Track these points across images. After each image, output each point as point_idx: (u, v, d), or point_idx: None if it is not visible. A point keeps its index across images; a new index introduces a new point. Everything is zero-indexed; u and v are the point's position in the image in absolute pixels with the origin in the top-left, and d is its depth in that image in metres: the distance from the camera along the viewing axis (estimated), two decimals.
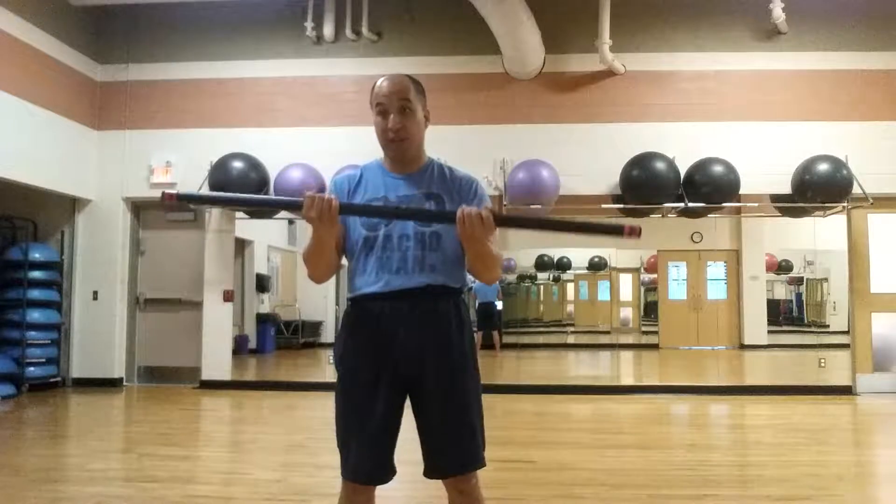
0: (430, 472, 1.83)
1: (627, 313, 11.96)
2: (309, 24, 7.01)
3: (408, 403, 1.84)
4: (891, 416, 5.85)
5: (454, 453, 1.80)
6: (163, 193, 1.72)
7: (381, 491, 1.85)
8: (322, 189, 6.87)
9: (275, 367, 9.81)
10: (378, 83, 1.84)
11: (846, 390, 6.59)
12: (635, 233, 1.64)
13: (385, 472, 1.81)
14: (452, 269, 1.83)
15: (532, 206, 6.41)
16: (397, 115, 1.80)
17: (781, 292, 11.62)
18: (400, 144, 1.82)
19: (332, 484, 3.35)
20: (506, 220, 1.65)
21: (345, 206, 1.72)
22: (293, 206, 1.72)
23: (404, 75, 1.86)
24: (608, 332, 11.51)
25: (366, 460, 1.78)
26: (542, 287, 12.48)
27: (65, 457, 4.30)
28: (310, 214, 1.65)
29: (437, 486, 1.85)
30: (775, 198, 6.82)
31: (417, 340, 1.78)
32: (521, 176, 6.44)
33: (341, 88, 7.01)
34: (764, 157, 6.61)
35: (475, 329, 9.81)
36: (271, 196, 1.68)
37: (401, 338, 1.78)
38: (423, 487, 2.98)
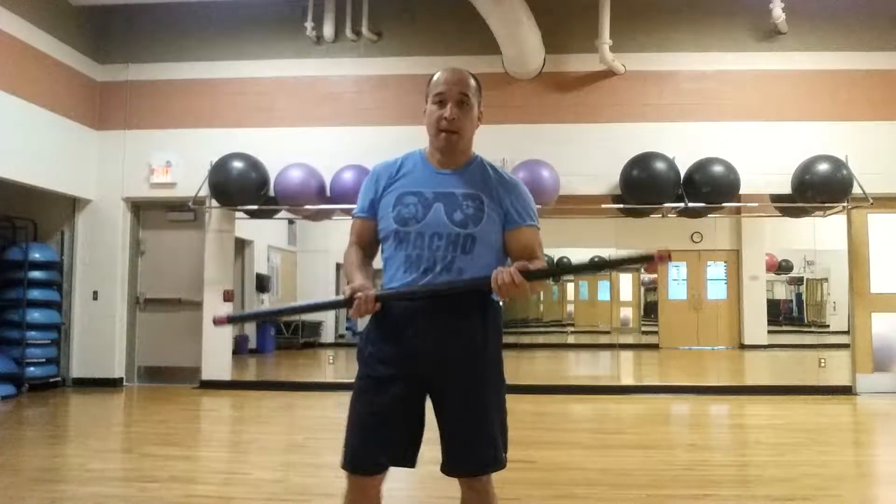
0: (447, 470, 1.81)
1: (627, 313, 11.97)
2: (309, 24, 7.00)
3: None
4: (891, 416, 5.86)
5: (473, 453, 1.78)
6: (213, 318, 1.77)
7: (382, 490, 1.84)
8: (321, 190, 6.85)
9: (275, 367, 9.79)
10: (438, 74, 1.84)
11: (846, 390, 6.59)
12: (665, 258, 1.60)
13: (375, 462, 1.77)
14: (482, 273, 1.78)
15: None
16: (455, 106, 1.78)
17: (781, 292, 11.63)
18: (450, 136, 1.80)
19: (333, 484, 3.36)
20: (538, 274, 1.62)
21: (381, 297, 1.72)
22: (338, 307, 1.77)
23: (466, 71, 1.86)
24: (608, 332, 11.51)
25: (359, 450, 1.77)
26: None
27: (65, 457, 4.30)
28: (357, 315, 1.70)
29: (438, 486, 1.85)
30: (775, 198, 6.81)
31: (440, 340, 1.76)
32: (521, 176, 6.43)
33: (341, 88, 7.02)
34: (764, 157, 6.61)
35: None
36: (317, 300, 1.72)
37: (422, 337, 1.76)
38: (425, 487, 2.97)
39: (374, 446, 1.77)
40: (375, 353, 1.81)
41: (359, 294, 1.67)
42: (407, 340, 1.77)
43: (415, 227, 1.77)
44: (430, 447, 1.86)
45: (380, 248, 1.91)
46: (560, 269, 1.56)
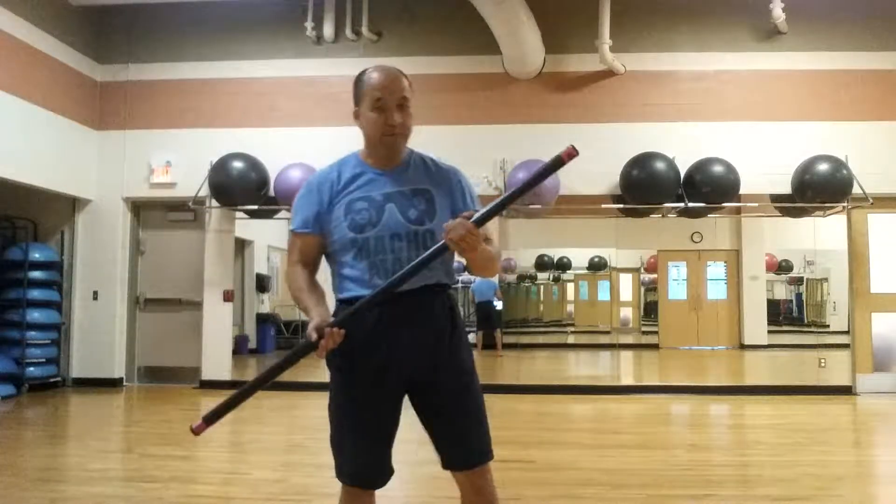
0: (450, 464, 1.81)
1: (627, 313, 11.96)
2: (309, 24, 7.00)
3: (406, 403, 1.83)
4: (891, 416, 5.86)
5: (466, 446, 1.79)
6: (192, 428, 1.70)
7: (380, 491, 1.84)
8: None
9: None
10: (370, 75, 1.78)
11: (846, 390, 6.59)
12: (573, 154, 1.60)
13: (384, 474, 1.80)
14: (447, 266, 1.81)
15: (532, 206, 6.41)
16: (398, 111, 1.76)
17: (781, 292, 11.62)
18: (396, 140, 1.78)
19: (333, 484, 3.34)
20: (483, 218, 1.63)
21: (345, 322, 1.64)
22: (308, 352, 1.66)
23: (396, 69, 1.82)
24: (608, 332, 11.50)
25: (365, 463, 1.77)
26: (542, 287, 12.48)
27: (65, 457, 4.30)
28: (323, 356, 1.64)
29: (438, 486, 1.85)
30: (775, 198, 6.82)
31: (418, 340, 1.75)
32: (521, 176, 6.43)
33: (341, 88, 6.90)
34: (764, 157, 6.60)
35: (474, 329, 9.81)
36: (286, 355, 1.66)
37: (400, 339, 1.75)
38: (424, 487, 2.96)
39: (379, 460, 1.78)
40: (353, 364, 1.76)
41: (326, 336, 1.61)
42: (384, 345, 1.74)
43: (372, 232, 1.74)
44: (429, 447, 1.85)
45: (325, 262, 1.86)
46: (501, 202, 1.53)
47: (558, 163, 1.62)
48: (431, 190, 1.81)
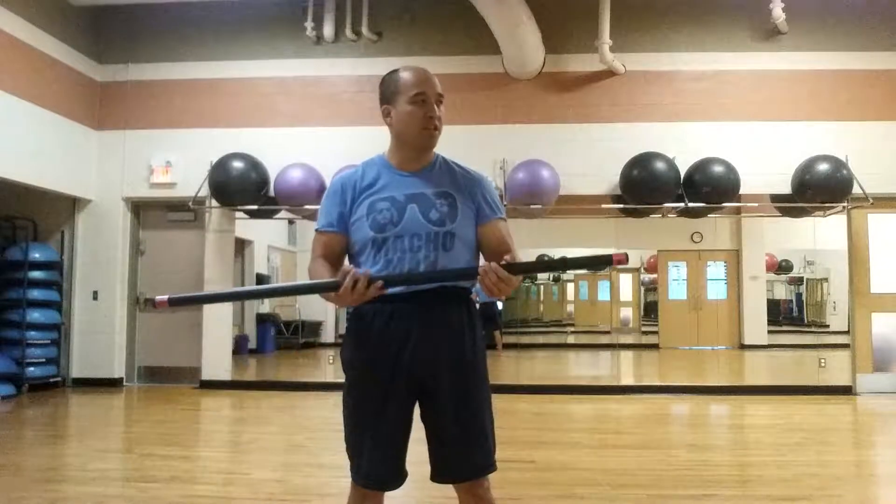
0: (441, 477, 1.79)
1: (627, 313, 11.96)
2: (309, 24, 7.01)
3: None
4: (891, 416, 5.85)
5: (469, 457, 1.76)
6: (154, 302, 1.62)
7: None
8: (321, 190, 6.87)
9: (275, 367, 9.79)
10: (405, 73, 1.80)
11: (846, 390, 6.59)
12: (623, 261, 1.64)
13: (398, 477, 1.78)
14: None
15: (532, 206, 6.41)
16: (437, 106, 1.78)
17: (781, 292, 11.62)
18: (434, 135, 1.79)
19: (332, 484, 3.36)
20: (520, 269, 1.64)
21: (374, 279, 1.60)
22: (323, 290, 1.61)
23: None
24: (608, 332, 11.50)
25: (380, 466, 1.75)
26: (542, 287, 12.48)
27: (65, 457, 4.30)
28: (347, 300, 1.59)
29: (438, 487, 1.85)
30: (775, 198, 6.82)
31: (431, 343, 1.74)
32: (521, 176, 6.44)
33: (341, 88, 7.02)
34: (764, 157, 6.61)
35: None
36: (295, 283, 1.64)
37: (413, 340, 1.73)
38: (424, 488, 2.95)
39: (393, 462, 1.76)
40: (367, 364, 1.75)
41: (349, 280, 1.57)
42: (398, 346, 1.73)
43: (393, 232, 1.74)
44: (426, 447, 1.84)
45: (346, 262, 1.85)
46: (544, 265, 1.58)
47: (605, 260, 1.68)
48: (454, 194, 1.80)
